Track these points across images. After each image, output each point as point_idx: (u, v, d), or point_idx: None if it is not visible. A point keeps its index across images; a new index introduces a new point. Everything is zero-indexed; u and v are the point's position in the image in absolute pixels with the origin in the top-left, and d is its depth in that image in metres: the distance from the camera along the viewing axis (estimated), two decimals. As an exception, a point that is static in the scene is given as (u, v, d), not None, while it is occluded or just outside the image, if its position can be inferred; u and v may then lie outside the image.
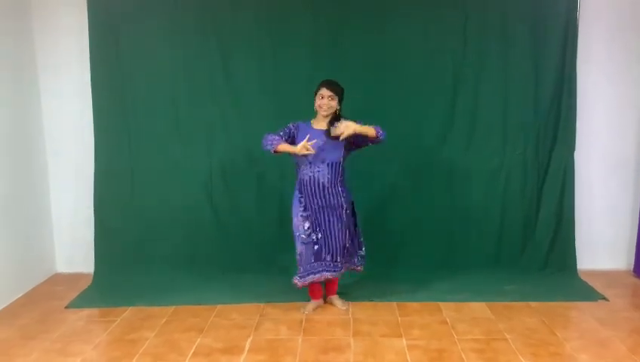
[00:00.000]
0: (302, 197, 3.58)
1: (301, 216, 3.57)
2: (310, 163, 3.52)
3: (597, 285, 4.18)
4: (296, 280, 3.65)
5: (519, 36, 4.28)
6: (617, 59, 4.35)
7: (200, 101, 4.37)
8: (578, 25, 4.25)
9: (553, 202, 4.39)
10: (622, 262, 4.57)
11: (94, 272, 4.41)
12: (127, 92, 4.35)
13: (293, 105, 4.22)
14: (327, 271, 3.64)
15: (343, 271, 3.72)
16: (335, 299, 3.85)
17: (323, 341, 3.33)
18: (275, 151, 3.49)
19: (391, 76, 4.33)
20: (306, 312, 3.71)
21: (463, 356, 3.11)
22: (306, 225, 3.57)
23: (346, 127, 3.38)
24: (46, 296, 4.15)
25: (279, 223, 4.43)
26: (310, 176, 3.54)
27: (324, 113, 3.53)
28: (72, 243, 4.64)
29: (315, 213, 3.57)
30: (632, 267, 4.49)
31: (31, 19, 4.37)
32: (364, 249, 3.88)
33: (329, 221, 3.59)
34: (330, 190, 3.56)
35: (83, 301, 4.03)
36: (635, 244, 4.45)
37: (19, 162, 4.22)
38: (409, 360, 3.07)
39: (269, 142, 3.51)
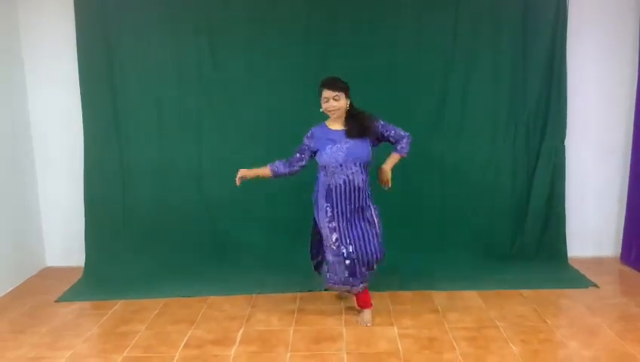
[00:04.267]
0: (329, 206, 3.26)
1: (329, 227, 3.27)
2: (341, 165, 3.21)
3: (587, 272, 4.20)
4: (328, 284, 3.42)
5: (509, 26, 4.26)
6: (607, 49, 4.36)
7: (190, 94, 4.34)
8: (567, 13, 4.24)
9: (544, 191, 4.40)
10: (612, 249, 4.59)
11: (85, 265, 4.38)
12: (116, 84, 4.31)
13: (283, 99, 4.26)
14: (362, 282, 3.34)
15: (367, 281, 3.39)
16: (367, 313, 3.45)
17: (315, 331, 3.33)
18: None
19: (382, 68, 4.30)
20: (368, 324, 3.38)
21: (454, 344, 3.12)
22: (334, 236, 3.26)
23: (386, 173, 3.42)
24: (36, 290, 4.13)
25: (271, 215, 4.43)
26: (345, 179, 3.22)
27: (334, 115, 3.27)
28: (62, 237, 4.61)
29: (346, 222, 3.26)
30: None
31: (16, 10, 4.32)
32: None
33: (361, 228, 3.29)
34: (363, 192, 3.27)
35: (73, 294, 4.01)
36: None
37: (4, 155, 4.17)
38: (400, 348, 3.08)
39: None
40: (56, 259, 4.65)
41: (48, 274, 4.51)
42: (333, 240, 3.26)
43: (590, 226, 4.57)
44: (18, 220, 4.32)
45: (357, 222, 3.29)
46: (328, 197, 3.27)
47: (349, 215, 3.27)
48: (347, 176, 3.23)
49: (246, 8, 4.25)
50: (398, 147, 3.40)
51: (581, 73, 4.36)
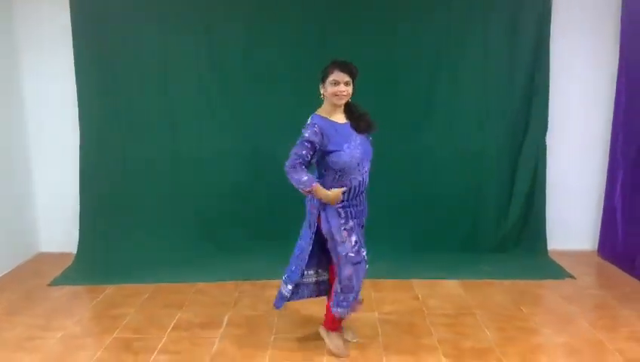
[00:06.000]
0: (340, 207, 2.81)
1: (345, 229, 2.81)
2: (358, 164, 2.79)
3: (565, 264, 4.33)
4: (341, 311, 2.93)
5: (496, 24, 4.38)
6: (589, 46, 4.47)
7: (185, 82, 4.44)
8: (551, 12, 4.35)
9: (526, 185, 4.53)
10: (590, 243, 4.72)
11: (77, 251, 4.50)
12: (113, 73, 4.40)
13: (279, 90, 4.37)
14: None
15: None
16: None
17: (299, 316, 3.45)
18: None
19: (371, 64, 4.38)
20: (345, 355, 2.97)
21: (432, 330, 3.25)
22: (353, 239, 2.83)
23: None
24: (30, 275, 4.24)
25: (264, 205, 4.56)
26: (360, 181, 2.82)
27: (340, 102, 2.81)
28: (56, 223, 4.71)
29: (356, 224, 2.87)
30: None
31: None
32: None
33: (362, 231, 2.97)
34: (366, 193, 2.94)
35: (66, 279, 4.13)
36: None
37: None
38: (380, 332, 3.21)
39: (300, 184, 2.75)
40: (50, 245, 4.75)
41: (42, 259, 4.61)
42: (353, 243, 2.83)
43: (570, 220, 4.70)
44: (12, 206, 4.41)
45: (361, 227, 2.96)
46: (346, 197, 2.82)
47: (358, 220, 2.89)
48: (363, 176, 2.83)
49: (244, 6, 4.35)
50: None
51: (564, 72, 4.48)
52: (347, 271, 2.84)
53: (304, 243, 2.97)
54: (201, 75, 4.43)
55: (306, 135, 2.75)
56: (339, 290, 2.90)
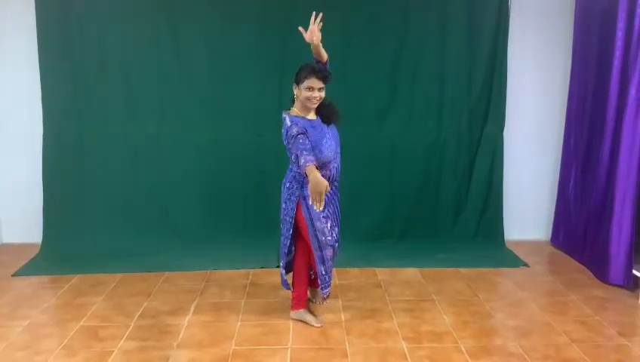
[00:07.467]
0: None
1: (323, 217, 3.04)
2: (335, 152, 3.07)
3: (520, 253, 4.54)
4: (327, 292, 3.20)
5: (456, 22, 4.52)
6: (545, 45, 4.67)
7: (149, 73, 4.45)
8: (509, 11, 4.53)
9: (483, 177, 4.72)
10: (544, 233, 4.95)
11: (42, 241, 4.48)
12: (76, 62, 4.38)
13: (241, 80, 4.42)
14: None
15: None
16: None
17: (265, 303, 3.55)
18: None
19: (334, 58, 4.47)
20: (320, 324, 3.25)
21: (393, 315, 3.39)
22: (329, 224, 3.08)
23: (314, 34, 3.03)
24: (-8, 265, 4.20)
25: (225, 195, 4.61)
26: (336, 167, 3.09)
27: (314, 106, 3.02)
28: (19, 214, 4.67)
29: (332, 207, 3.14)
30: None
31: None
32: None
33: (337, 208, 3.23)
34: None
35: (30, 269, 4.11)
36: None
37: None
38: (343, 318, 3.34)
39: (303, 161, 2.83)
40: (13, 236, 4.71)
41: (5, 250, 4.57)
42: (329, 227, 3.07)
43: (527, 211, 4.91)
44: (-26, 196, 4.36)
45: (337, 204, 3.22)
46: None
47: (332, 196, 3.14)
48: (337, 162, 3.09)
49: None
50: None
51: (520, 72, 4.67)
52: (328, 252, 3.09)
53: (285, 230, 3.17)
54: (163, 64, 4.44)
55: (295, 131, 2.87)
56: (324, 272, 3.13)
